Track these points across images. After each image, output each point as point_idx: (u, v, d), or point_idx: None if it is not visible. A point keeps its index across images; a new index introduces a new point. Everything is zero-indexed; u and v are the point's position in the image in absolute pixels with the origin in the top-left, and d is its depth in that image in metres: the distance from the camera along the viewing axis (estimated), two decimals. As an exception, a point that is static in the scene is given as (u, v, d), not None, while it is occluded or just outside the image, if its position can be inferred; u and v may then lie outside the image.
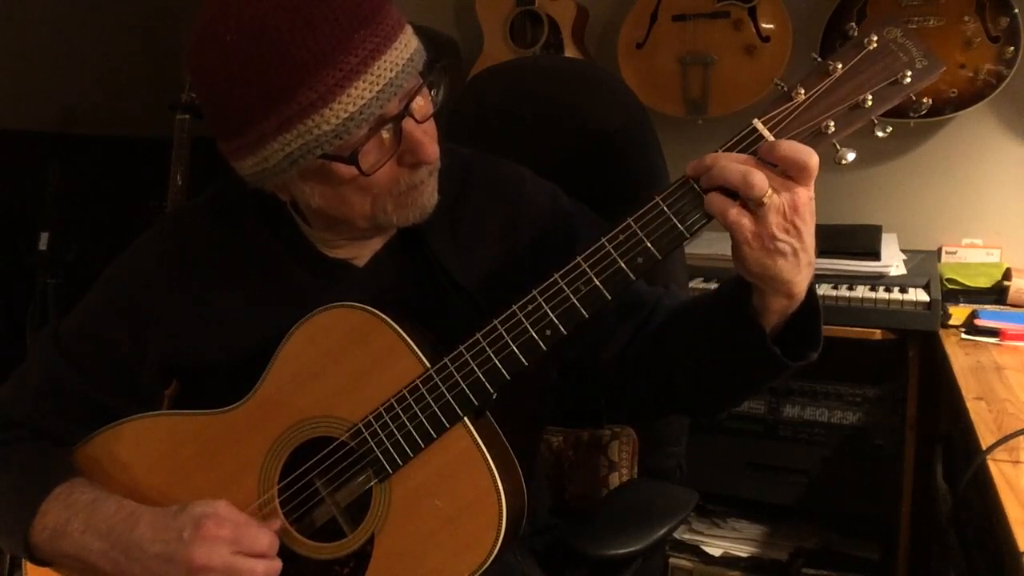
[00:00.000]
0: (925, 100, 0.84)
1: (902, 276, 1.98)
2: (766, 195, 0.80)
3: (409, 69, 0.86)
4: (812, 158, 0.80)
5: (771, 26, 2.23)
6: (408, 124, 0.88)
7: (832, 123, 0.83)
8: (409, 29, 0.89)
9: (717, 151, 0.84)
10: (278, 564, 0.93)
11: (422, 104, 0.90)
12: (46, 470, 1.00)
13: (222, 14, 0.84)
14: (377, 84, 0.83)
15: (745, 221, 0.81)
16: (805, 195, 0.82)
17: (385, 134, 0.87)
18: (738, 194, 0.81)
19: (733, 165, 0.81)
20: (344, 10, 0.83)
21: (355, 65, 0.82)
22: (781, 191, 0.80)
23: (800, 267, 0.84)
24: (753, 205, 0.80)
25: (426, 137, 0.90)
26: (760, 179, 0.79)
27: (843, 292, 1.93)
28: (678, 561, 2.18)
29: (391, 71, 0.84)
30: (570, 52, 2.45)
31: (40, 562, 1.00)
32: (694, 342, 0.98)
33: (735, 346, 0.91)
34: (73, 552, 0.95)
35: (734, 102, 2.29)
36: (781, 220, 0.81)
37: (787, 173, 0.81)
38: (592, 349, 1.05)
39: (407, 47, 0.87)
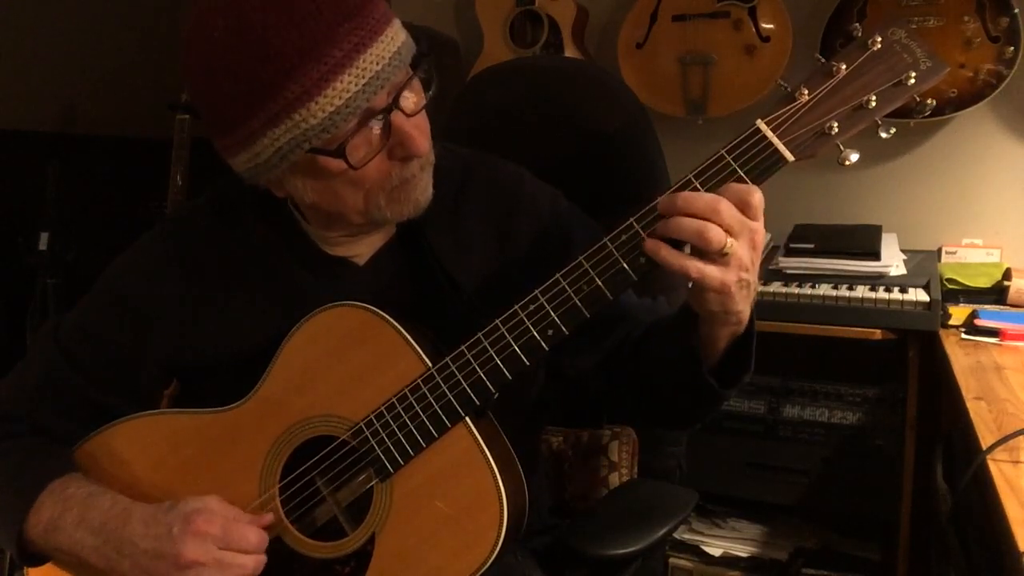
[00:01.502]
0: (929, 101, 0.84)
1: (902, 276, 1.98)
2: (726, 246, 0.80)
3: (396, 62, 0.86)
4: (754, 195, 0.81)
5: (771, 26, 2.23)
6: (397, 117, 0.88)
7: (836, 124, 0.83)
8: (397, 23, 0.90)
9: (720, 152, 0.84)
10: (263, 559, 0.94)
11: (411, 97, 0.90)
12: (43, 465, 1.00)
13: (209, 12, 0.86)
14: (363, 77, 0.84)
15: (713, 271, 0.82)
16: (760, 230, 0.83)
17: (374, 128, 0.88)
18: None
19: (686, 222, 0.81)
20: (328, 4, 0.83)
21: (340, 59, 0.83)
22: (740, 233, 0.81)
23: (750, 297, 0.87)
24: (717, 257, 0.81)
25: (416, 130, 0.90)
26: (716, 234, 0.80)
27: (843, 292, 1.92)
28: (678, 561, 2.18)
29: (377, 64, 0.84)
30: (570, 52, 2.45)
31: (34, 558, 0.99)
32: (652, 363, 1.00)
33: (679, 375, 0.94)
34: (67, 547, 0.95)
35: (734, 102, 2.28)
36: (747, 255, 0.83)
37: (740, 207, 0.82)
38: (574, 356, 1.06)
39: (394, 40, 0.87)
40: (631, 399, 1.09)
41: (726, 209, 0.80)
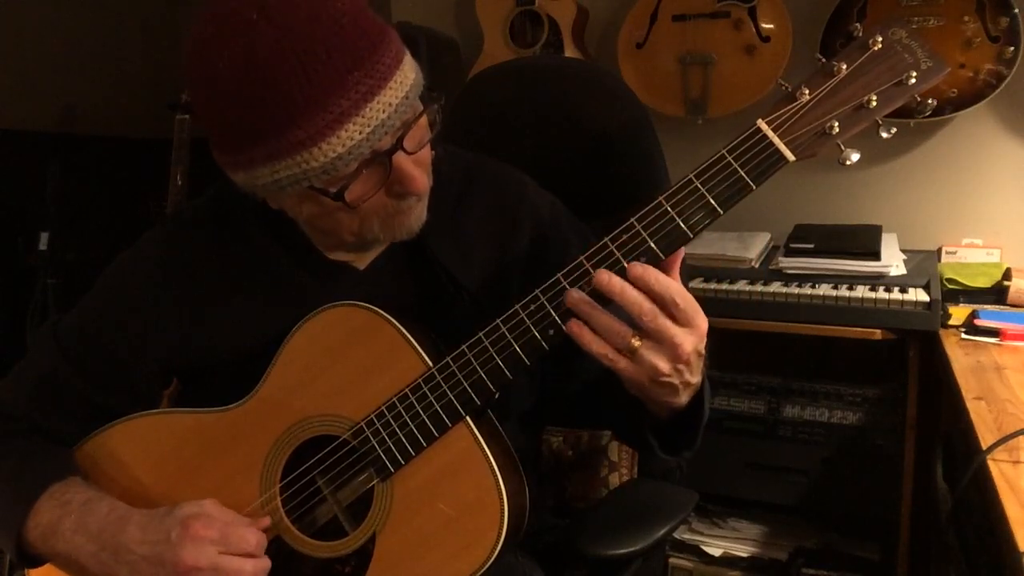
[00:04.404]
0: (930, 101, 0.84)
1: (902, 276, 1.98)
2: (629, 345, 0.82)
3: (404, 107, 0.85)
4: (677, 298, 0.82)
5: (771, 26, 2.23)
6: (399, 157, 0.87)
7: (836, 124, 0.83)
8: (408, 62, 0.87)
9: (721, 152, 0.84)
10: (267, 562, 0.93)
11: (416, 135, 0.88)
12: (43, 466, 1.00)
13: (215, 37, 0.82)
14: (368, 125, 0.82)
15: (625, 365, 0.83)
16: (690, 344, 0.83)
17: (375, 166, 0.87)
18: None
19: (602, 319, 0.83)
20: (339, 49, 0.80)
21: (347, 108, 0.81)
22: (660, 342, 0.82)
23: (679, 394, 0.87)
24: (626, 352, 0.83)
25: (416, 169, 0.89)
26: (621, 332, 0.82)
27: (843, 292, 1.93)
28: (678, 561, 2.18)
29: (384, 112, 0.83)
30: (570, 52, 2.45)
31: (32, 559, 0.99)
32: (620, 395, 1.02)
33: (631, 418, 0.97)
34: (64, 552, 0.95)
35: (734, 102, 2.29)
36: (667, 365, 0.83)
37: (666, 310, 0.82)
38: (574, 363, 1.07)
39: (402, 85, 0.85)
40: (604, 413, 1.12)
41: (648, 316, 0.81)
